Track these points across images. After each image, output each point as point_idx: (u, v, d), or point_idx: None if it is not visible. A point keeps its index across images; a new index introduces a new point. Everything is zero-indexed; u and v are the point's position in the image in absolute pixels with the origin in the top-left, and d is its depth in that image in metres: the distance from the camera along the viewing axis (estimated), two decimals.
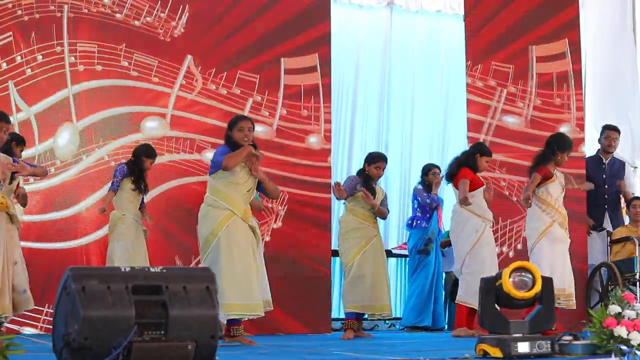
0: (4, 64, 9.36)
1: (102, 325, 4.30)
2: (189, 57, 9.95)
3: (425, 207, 11.08)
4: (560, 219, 9.39)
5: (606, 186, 10.99)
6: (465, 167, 9.54)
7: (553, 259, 9.27)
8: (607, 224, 10.91)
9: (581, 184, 10.38)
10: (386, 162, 9.62)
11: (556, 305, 8.98)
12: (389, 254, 11.33)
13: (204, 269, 4.92)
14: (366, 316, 9.72)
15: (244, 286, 7.56)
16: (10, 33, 9.41)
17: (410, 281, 11.30)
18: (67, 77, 9.55)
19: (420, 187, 11.20)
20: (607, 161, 11.09)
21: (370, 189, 9.41)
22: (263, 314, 7.86)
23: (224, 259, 7.54)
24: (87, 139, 9.61)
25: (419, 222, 11.14)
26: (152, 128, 9.73)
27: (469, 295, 9.25)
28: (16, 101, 9.38)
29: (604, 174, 11.04)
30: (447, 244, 10.72)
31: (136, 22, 9.84)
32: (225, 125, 9.46)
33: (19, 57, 9.43)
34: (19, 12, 9.46)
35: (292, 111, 10.24)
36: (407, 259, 11.50)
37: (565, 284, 9.31)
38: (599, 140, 11.22)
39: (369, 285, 9.31)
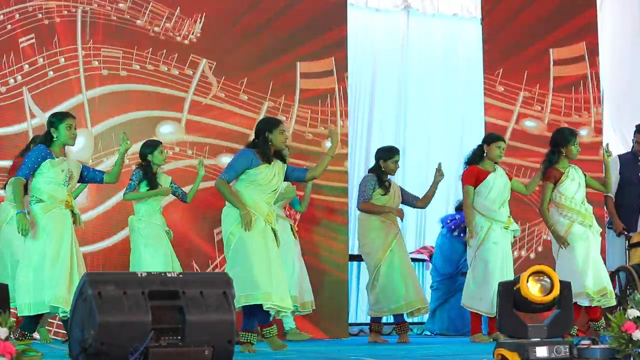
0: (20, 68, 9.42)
1: (118, 330, 4.30)
2: (204, 61, 9.96)
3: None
4: (580, 218, 9.10)
5: None
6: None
7: (577, 261, 8.96)
8: None
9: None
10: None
11: (598, 304, 8.91)
12: None
13: (221, 274, 4.91)
14: (406, 317, 9.40)
15: (260, 278, 7.25)
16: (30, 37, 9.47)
17: (436, 288, 11.17)
18: (81, 82, 9.60)
19: None
20: None
21: (385, 184, 9.34)
22: (279, 304, 7.32)
23: (241, 257, 7.32)
24: (105, 143, 9.64)
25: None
26: (168, 133, 9.72)
27: (471, 299, 9.11)
28: (30, 107, 9.40)
29: (639, 171, 10.43)
30: None
31: (156, 28, 9.86)
32: (240, 129, 9.46)
33: (30, 63, 9.48)
34: (40, 15, 9.51)
35: (308, 115, 10.23)
36: (430, 265, 11.35)
37: (603, 283, 8.98)
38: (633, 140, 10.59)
39: (403, 283, 9.16)
